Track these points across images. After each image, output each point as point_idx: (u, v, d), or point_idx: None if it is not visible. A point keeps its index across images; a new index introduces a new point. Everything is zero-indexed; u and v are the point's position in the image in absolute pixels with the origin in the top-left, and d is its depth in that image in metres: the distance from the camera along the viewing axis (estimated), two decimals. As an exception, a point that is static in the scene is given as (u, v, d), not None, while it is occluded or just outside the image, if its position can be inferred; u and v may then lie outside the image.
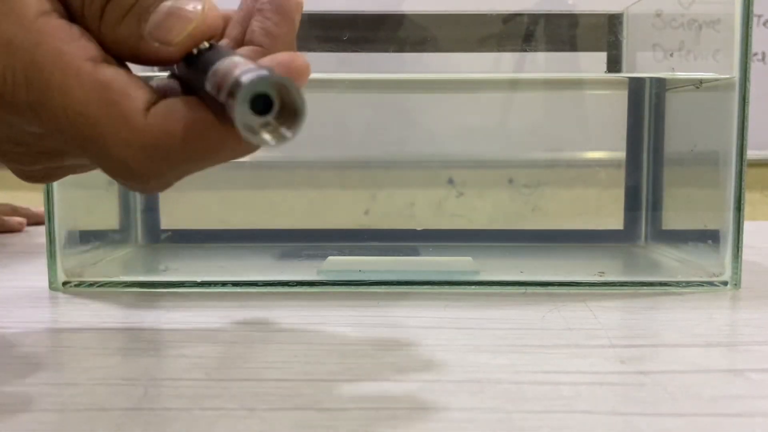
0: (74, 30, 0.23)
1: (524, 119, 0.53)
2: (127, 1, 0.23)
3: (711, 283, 0.42)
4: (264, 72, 0.20)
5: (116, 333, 0.33)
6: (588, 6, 0.52)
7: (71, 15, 0.23)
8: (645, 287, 0.41)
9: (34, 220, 0.71)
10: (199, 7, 0.23)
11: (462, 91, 0.53)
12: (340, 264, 0.46)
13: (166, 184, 0.25)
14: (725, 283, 0.41)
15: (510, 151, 0.54)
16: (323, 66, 0.50)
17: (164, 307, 0.37)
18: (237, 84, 0.20)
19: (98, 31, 0.23)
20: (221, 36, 0.26)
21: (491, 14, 0.50)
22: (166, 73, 0.26)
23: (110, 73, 0.22)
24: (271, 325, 0.34)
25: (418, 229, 0.51)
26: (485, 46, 0.51)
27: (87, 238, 0.45)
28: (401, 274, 0.42)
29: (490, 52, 0.52)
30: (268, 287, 0.41)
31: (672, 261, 0.48)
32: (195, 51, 0.23)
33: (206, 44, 0.23)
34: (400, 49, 0.51)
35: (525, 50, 0.51)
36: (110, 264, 0.47)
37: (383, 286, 0.41)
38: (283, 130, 0.20)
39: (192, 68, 0.23)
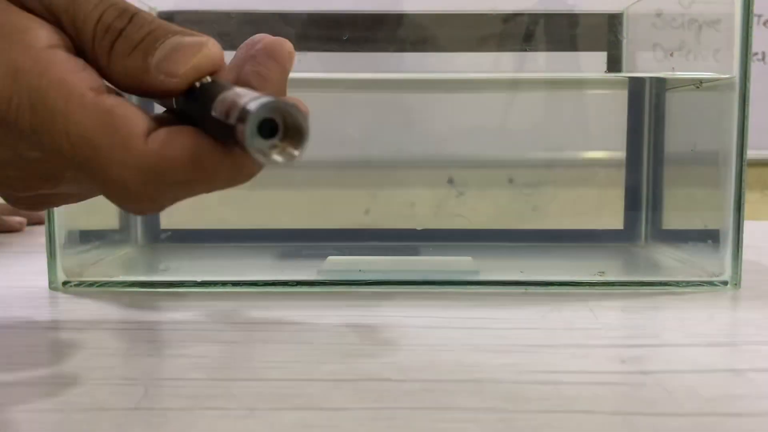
0: (79, 63, 0.24)
1: (524, 119, 0.53)
2: (136, 36, 0.24)
3: (711, 283, 0.42)
4: (269, 98, 0.21)
5: (116, 333, 0.33)
6: (588, 6, 0.52)
7: (78, 49, 0.25)
8: (645, 287, 0.41)
9: (35, 220, 0.71)
10: (203, 42, 0.25)
11: (462, 91, 0.53)
12: (340, 264, 0.46)
13: (160, 207, 0.26)
14: (725, 283, 0.41)
15: (510, 151, 0.54)
16: (323, 66, 0.50)
17: (164, 307, 0.37)
18: (245, 111, 0.21)
19: (107, 64, 0.24)
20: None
21: (491, 14, 0.50)
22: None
23: (112, 101, 0.23)
24: (271, 325, 0.34)
25: (418, 228, 0.51)
26: (485, 46, 0.51)
27: (87, 237, 0.45)
28: (401, 274, 0.42)
29: (490, 52, 0.52)
30: (268, 287, 0.41)
31: (672, 261, 0.48)
32: (197, 84, 0.24)
33: (208, 79, 0.25)
34: (400, 48, 0.51)
35: (525, 50, 0.51)
36: (110, 264, 0.47)
37: (383, 286, 0.41)
38: (290, 150, 0.22)
39: (193, 101, 0.24)
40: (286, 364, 0.28)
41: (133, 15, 0.24)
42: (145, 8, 0.50)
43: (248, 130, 0.21)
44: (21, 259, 0.52)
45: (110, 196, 0.25)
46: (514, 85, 0.52)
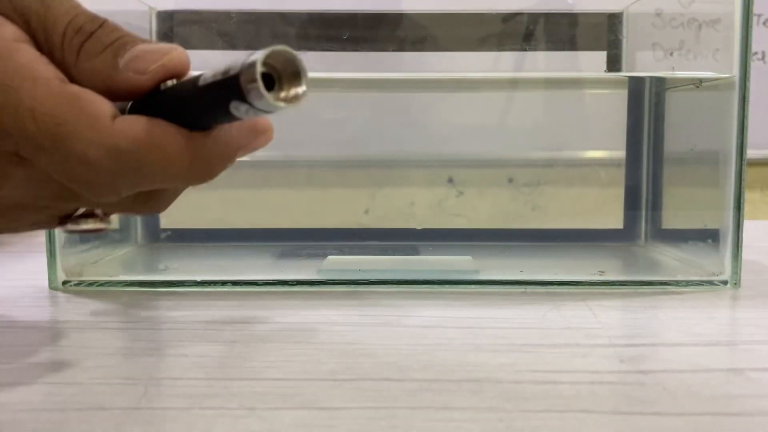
0: (43, 58, 0.25)
1: (524, 119, 0.53)
2: (106, 39, 0.25)
3: (711, 283, 0.42)
4: (260, 51, 0.21)
5: (116, 332, 0.33)
6: (588, 5, 0.52)
7: (44, 51, 0.25)
8: (645, 286, 0.41)
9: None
10: (172, 46, 0.26)
11: (462, 91, 0.53)
12: (340, 263, 0.46)
13: (118, 193, 0.26)
14: (725, 282, 0.41)
15: (510, 150, 0.54)
16: (323, 66, 0.50)
17: (164, 307, 0.37)
18: (246, 64, 0.21)
19: (75, 63, 0.25)
20: None
21: (491, 13, 0.50)
22: None
23: (77, 88, 0.24)
24: (271, 325, 0.34)
25: (418, 228, 0.51)
26: (485, 45, 0.51)
27: (87, 237, 0.45)
28: (401, 274, 0.42)
29: (490, 52, 0.52)
30: (268, 286, 0.41)
31: (672, 260, 0.48)
32: (162, 87, 0.25)
33: (173, 81, 0.25)
34: (400, 48, 0.51)
35: (525, 49, 0.51)
36: (110, 263, 0.47)
37: (383, 286, 0.41)
38: (295, 90, 0.22)
39: (157, 102, 0.25)
40: (286, 364, 0.28)
41: (103, 21, 0.25)
42: (144, 8, 0.50)
43: (254, 86, 0.21)
44: (21, 259, 0.52)
45: (71, 177, 0.25)
46: (513, 84, 0.52)
